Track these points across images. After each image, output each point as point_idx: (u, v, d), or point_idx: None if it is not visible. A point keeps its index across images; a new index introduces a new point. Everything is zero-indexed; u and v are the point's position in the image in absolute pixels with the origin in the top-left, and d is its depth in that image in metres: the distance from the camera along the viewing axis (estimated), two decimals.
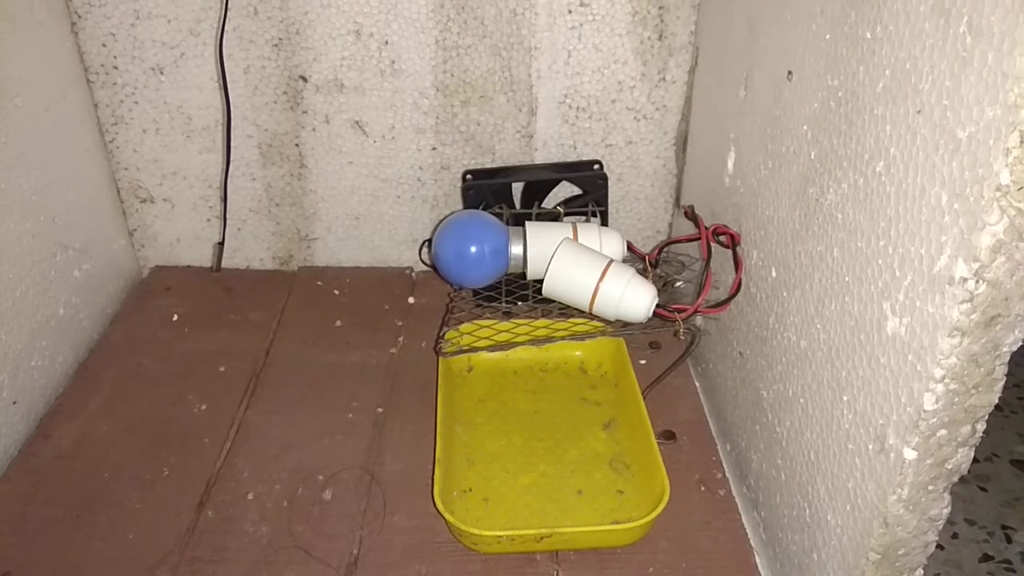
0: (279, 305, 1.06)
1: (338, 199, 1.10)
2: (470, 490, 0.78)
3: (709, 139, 0.95)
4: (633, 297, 0.78)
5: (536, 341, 0.85)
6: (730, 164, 0.86)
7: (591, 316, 0.83)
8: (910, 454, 0.52)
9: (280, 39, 0.99)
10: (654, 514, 0.69)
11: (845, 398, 0.61)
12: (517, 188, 1.03)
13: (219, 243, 1.01)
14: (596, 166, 1.02)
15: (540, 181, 0.99)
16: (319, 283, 1.12)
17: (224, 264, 1.15)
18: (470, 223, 0.87)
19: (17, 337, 0.86)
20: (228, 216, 1.10)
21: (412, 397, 0.91)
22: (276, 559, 0.72)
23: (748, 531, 0.76)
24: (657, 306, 0.79)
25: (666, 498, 0.70)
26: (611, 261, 0.79)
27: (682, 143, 1.07)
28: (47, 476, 0.80)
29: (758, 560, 0.74)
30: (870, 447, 0.57)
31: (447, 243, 0.86)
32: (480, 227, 0.86)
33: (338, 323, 1.04)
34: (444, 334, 0.86)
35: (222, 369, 0.95)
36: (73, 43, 0.98)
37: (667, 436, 0.85)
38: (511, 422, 0.86)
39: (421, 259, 1.14)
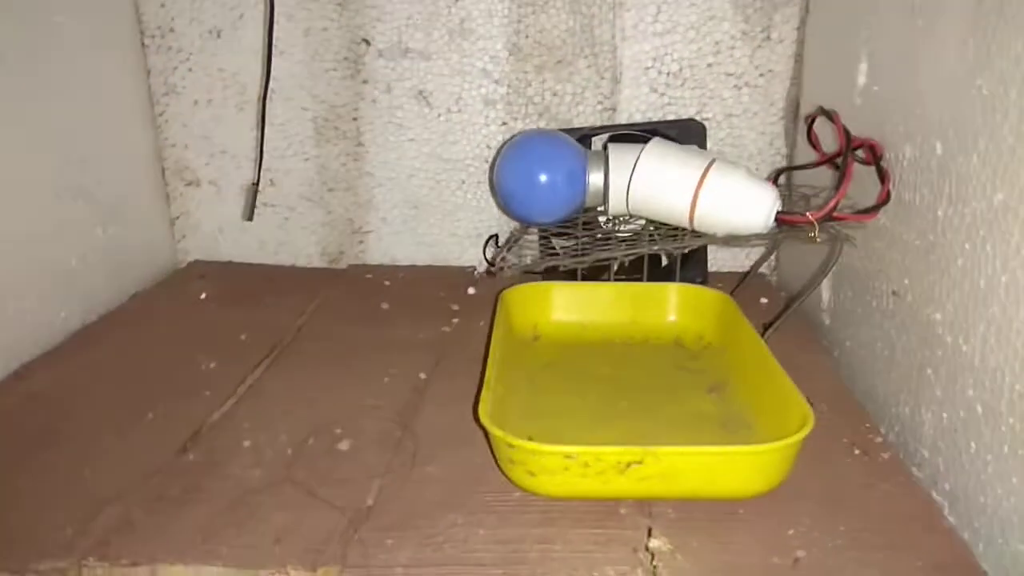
0: (322, 292, 0.92)
1: (396, 184, 0.99)
2: (530, 439, 0.58)
3: (830, 66, 0.81)
4: (748, 198, 0.61)
5: (621, 252, 0.67)
6: (861, 77, 0.71)
7: (693, 235, 0.65)
8: None
9: None
10: (802, 433, 0.47)
11: None
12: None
13: (254, 183, 0.89)
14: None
15: (624, 136, 0.85)
16: (369, 276, 0.97)
17: (268, 260, 1.03)
18: (539, 143, 0.72)
19: (9, 269, 0.73)
20: (275, 204, 1.00)
21: (463, 366, 0.72)
22: (262, 501, 0.53)
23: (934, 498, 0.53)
24: (780, 212, 0.61)
25: (810, 423, 0.49)
26: (714, 158, 0.63)
27: (792, 115, 0.93)
28: (11, 412, 0.65)
29: (954, 521, 0.50)
30: None
31: (511, 167, 0.72)
32: (552, 148, 0.71)
33: (385, 306, 0.88)
34: (504, 256, 0.69)
35: (243, 337, 0.80)
36: (132, 3, 0.93)
37: None
38: (587, 383, 0.67)
39: (485, 258, 0.99)
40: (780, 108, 0.93)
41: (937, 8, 0.56)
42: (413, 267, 1.01)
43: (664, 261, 0.88)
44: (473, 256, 1.00)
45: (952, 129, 0.54)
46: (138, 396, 0.67)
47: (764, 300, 0.85)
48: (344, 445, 0.60)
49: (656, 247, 0.67)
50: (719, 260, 0.98)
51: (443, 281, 0.95)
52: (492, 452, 0.54)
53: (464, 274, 0.98)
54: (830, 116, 0.66)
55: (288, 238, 1.02)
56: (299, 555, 0.47)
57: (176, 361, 0.74)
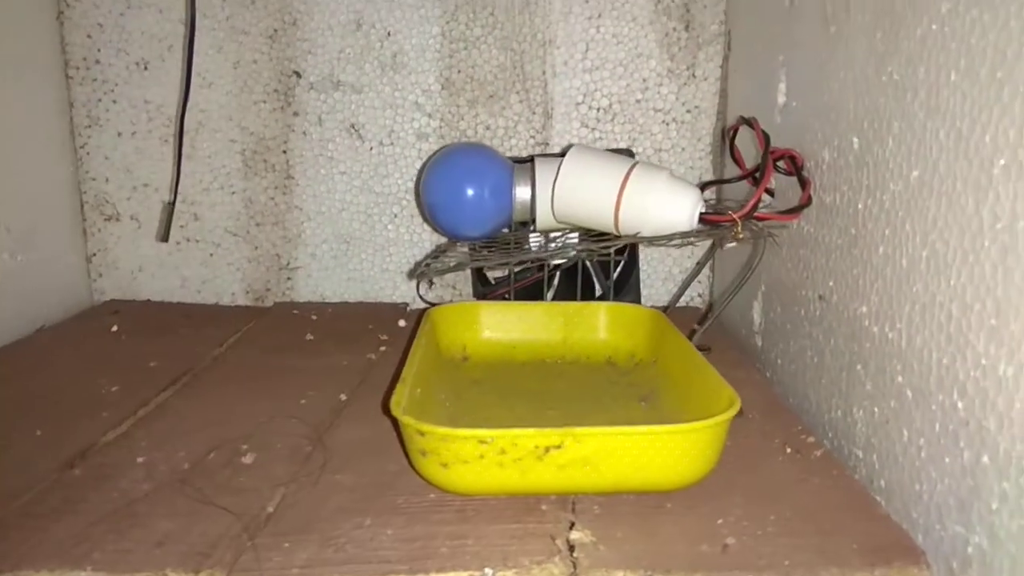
0: (245, 326, 0.88)
1: (326, 218, 0.96)
2: None
3: (752, 95, 0.82)
4: (672, 196, 0.60)
5: (547, 254, 0.65)
6: (781, 97, 0.72)
7: (618, 239, 0.64)
8: None
9: (276, 30, 0.92)
10: (729, 413, 0.45)
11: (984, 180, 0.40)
12: None
13: (170, 202, 0.85)
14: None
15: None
16: (295, 312, 0.94)
17: (190, 299, 0.98)
18: (465, 155, 0.71)
19: None
20: (199, 239, 0.96)
21: (388, 388, 0.69)
22: (147, 510, 0.48)
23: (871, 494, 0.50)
24: (704, 213, 0.60)
25: (737, 404, 0.46)
26: (637, 161, 0.62)
27: (719, 150, 0.94)
28: None
29: (891, 514, 0.47)
30: None
31: (437, 179, 0.71)
32: (478, 160, 0.70)
33: (310, 336, 0.84)
34: (428, 263, 0.67)
35: (152, 364, 0.75)
36: (57, 33, 0.92)
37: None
38: (515, 397, 0.64)
39: (419, 294, 0.96)
40: (707, 144, 0.94)
41: (847, 8, 0.58)
42: (343, 304, 0.98)
43: (598, 290, 0.87)
44: (406, 292, 0.98)
45: (867, 121, 0.55)
46: (26, 415, 0.62)
47: (697, 327, 0.84)
48: (248, 459, 0.56)
49: (581, 247, 0.65)
50: (653, 295, 0.97)
51: (373, 316, 0.92)
52: (405, 453, 0.50)
53: (396, 310, 0.95)
54: (749, 123, 0.66)
55: (212, 275, 0.98)
56: (181, 558, 0.42)
57: (74, 385, 0.69)
